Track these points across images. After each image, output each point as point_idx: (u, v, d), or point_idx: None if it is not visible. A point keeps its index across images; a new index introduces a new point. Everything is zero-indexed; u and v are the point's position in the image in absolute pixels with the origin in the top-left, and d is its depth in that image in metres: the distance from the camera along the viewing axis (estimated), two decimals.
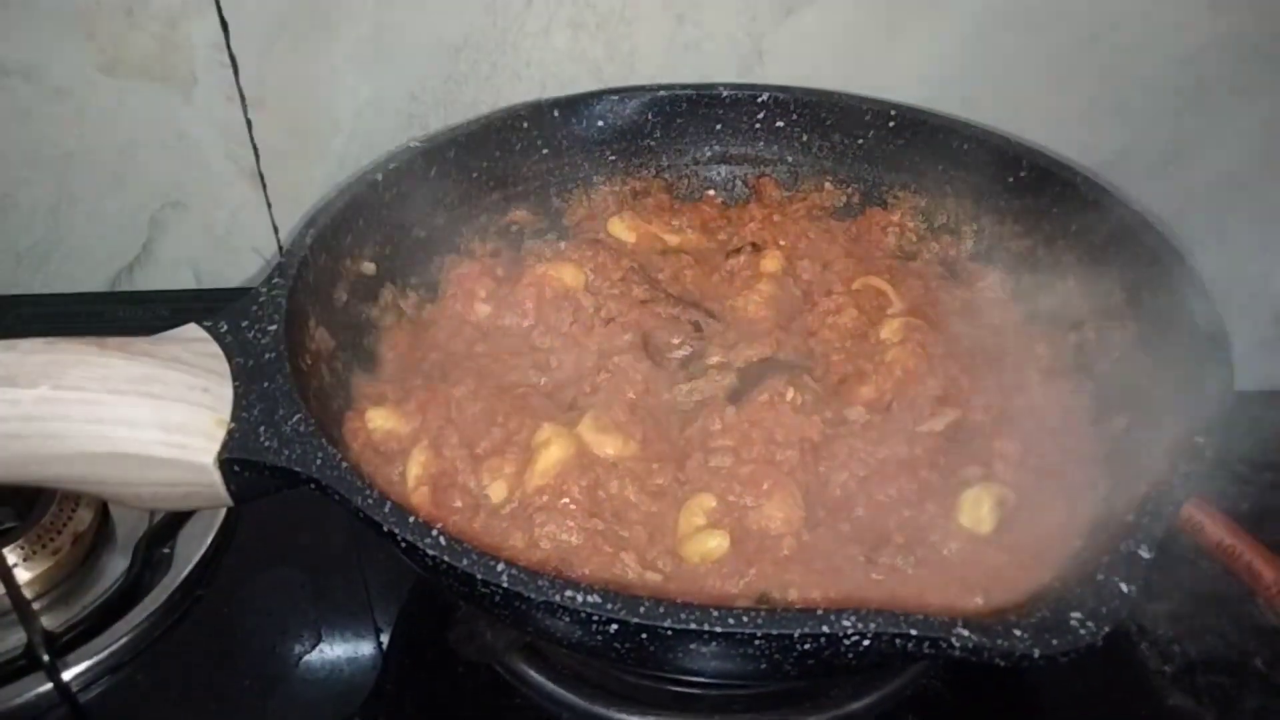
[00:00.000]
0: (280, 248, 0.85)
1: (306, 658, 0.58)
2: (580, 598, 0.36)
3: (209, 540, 0.63)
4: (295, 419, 0.44)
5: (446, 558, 0.38)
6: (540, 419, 0.56)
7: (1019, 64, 0.76)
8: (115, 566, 0.63)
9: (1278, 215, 0.84)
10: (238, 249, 0.85)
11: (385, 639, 0.61)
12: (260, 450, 0.43)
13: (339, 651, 0.59)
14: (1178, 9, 0.73)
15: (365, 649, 0.60)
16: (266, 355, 0.48)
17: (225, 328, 0.49)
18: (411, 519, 0.39)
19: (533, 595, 0.37)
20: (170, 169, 0.80)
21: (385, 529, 0.39)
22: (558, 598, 0.37)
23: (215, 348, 0.47)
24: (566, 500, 0.51)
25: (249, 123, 0.77)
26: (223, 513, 0.65)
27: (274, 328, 0.49)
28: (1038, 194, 0.64)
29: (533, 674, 0.56)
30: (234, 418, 0.44)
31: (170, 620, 0.59)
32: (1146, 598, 0.69)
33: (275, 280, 0.52)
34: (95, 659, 0.56)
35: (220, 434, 0.43)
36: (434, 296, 0.66)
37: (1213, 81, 0.76)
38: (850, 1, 0.73)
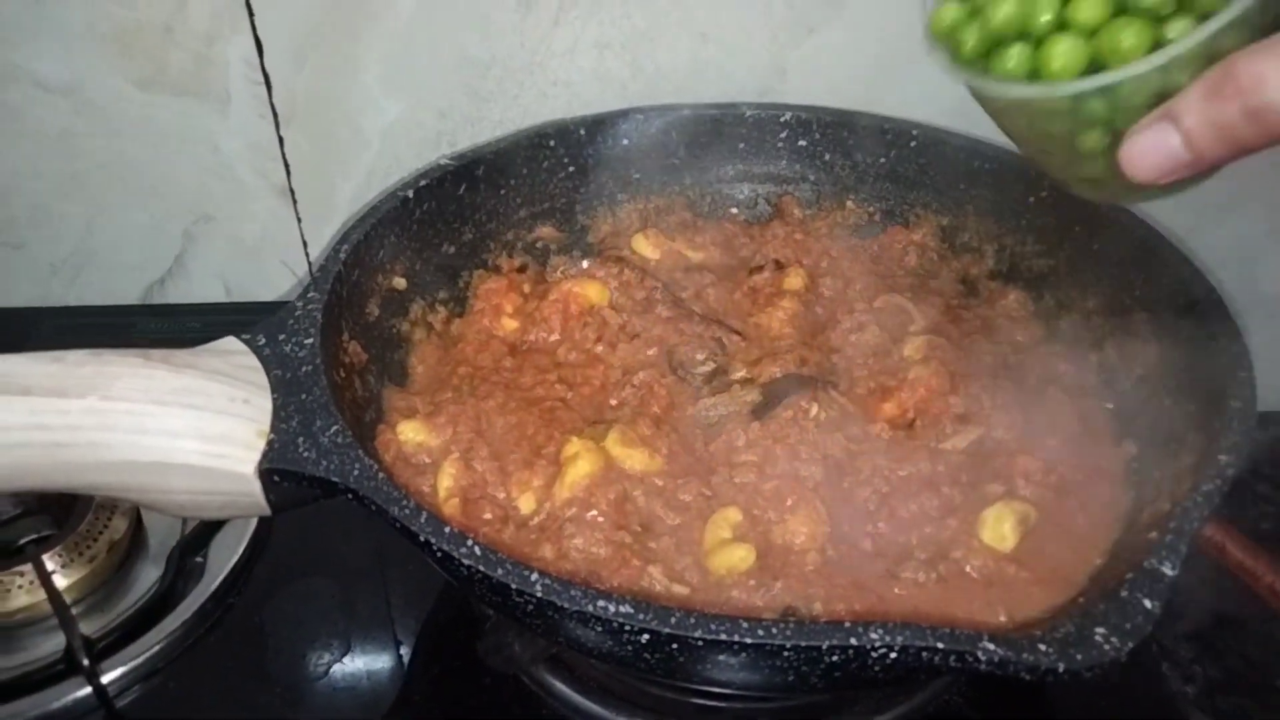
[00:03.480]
0: (309, 261, 0.86)
1: (336, 666, 0.59)
2: (613, 608, 0.37)
3: (241, 549, 0.64)
4: (333, 430, 0.45)
5: (482, 567, 0.39)
6: (568, 433, 0.57)
7: None
8: (148, 575, 0.64)
9: None
10: (267, 262, 0.86)
11: (410, 648, 0.61)
12: (299, 461, 0.44)
13: (368, 660, 0.60)
14: None
15: (394, 658, 0.60)
16: (304, 368, 0.49)
17: (263, 341, 0.50)
18: (448, 529, 0.40)
19: (566, 605, 0.38)
20: (203, 184, 0.81)
21: (422, 539, 0.40)
22: (590, 607, 0.37)
23: (254, 360, 0.48)
24: (594, 513, 0.51)
25: (281, 139, 0.79)
26: (254, 522, 0.66)
27: (310, 341, 0.50)
28: (1059, 213, 0.64)
29: (558, 685, 0.57)
30: (273, 429, 0.45)
31: (203, 628, 0.60)
32: (1169, 618, 0.69)
33: (311, 294, 0.53)
34: (131, 664, 0.57)
35: (260, 444, 0.44)
36: (462, 311, 0.67)
37: None
38: (871, 22, 0.74)
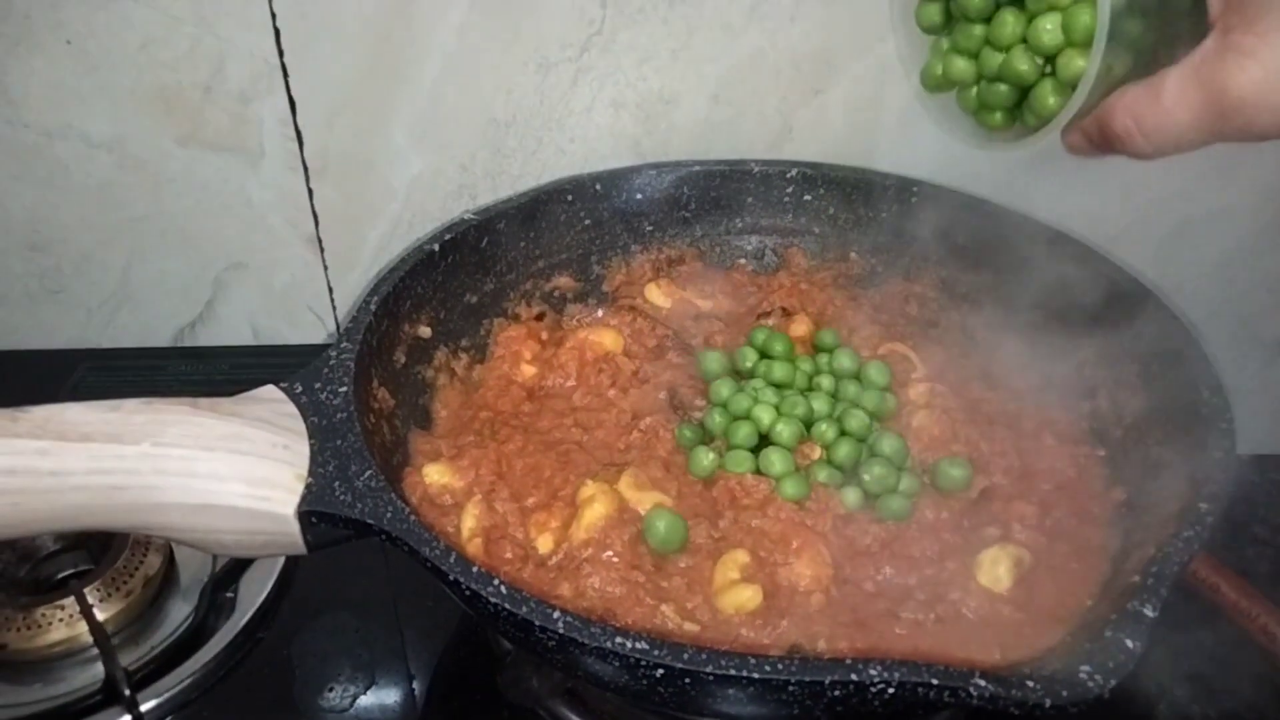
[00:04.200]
0: (334, 307, 0.90)
1: (360, 699, 0.62)
2: (629, 644, 0.40)
3: (270, 585, 0.67)
4: (366, 475, 0.48)
5: (507, 605, 0.42)
6: (583, 475, 0.59)
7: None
8: (180, 609, 0.66)
9: None
10: (294, 308, 0.90)
11: (424, 681, 0.64)
12: (335, 503, 0.47)
13: (388, 693, 0.62)
14: None
15: (416, 691, 0.63)
16: (338, 415, 0.52)
17: (300, 389, 0.53)
18: (475, 569, 0.43)
19: (586, 641, 0.40)
20: (235, 233, 0.85)
21: (451, 578, 0.43)
22: (609, 644, 0.40)
23: (292, 408, 0.51)
24: (610, 553, 0.54)
25: (310, 191, 0.83)
26: (282, 560, 0.68)
27: (344, 389, 0.53)
28: (1052, 269, 0.67)
29: (574, 718, 0.59)
30: (311, 473, 0.48)
31: (234, 660, 0.63)
32: (1167, 658, 0.71)
33: (344, 345, 0.57)
34: (166, 695, 0.59)
35: (299, 488, 0.47)
36: (483, 358, 0.70)
37: (1221, 152, 0.79)
38: (873, 83, 0.78)
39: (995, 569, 0.53)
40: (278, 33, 0.74)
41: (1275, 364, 0.92)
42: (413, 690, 0.63)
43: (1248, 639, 0.64)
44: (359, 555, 0.69)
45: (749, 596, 0.52)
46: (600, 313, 0.75)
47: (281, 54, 0.75)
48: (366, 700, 0.62)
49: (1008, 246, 0.70)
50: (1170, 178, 0.81)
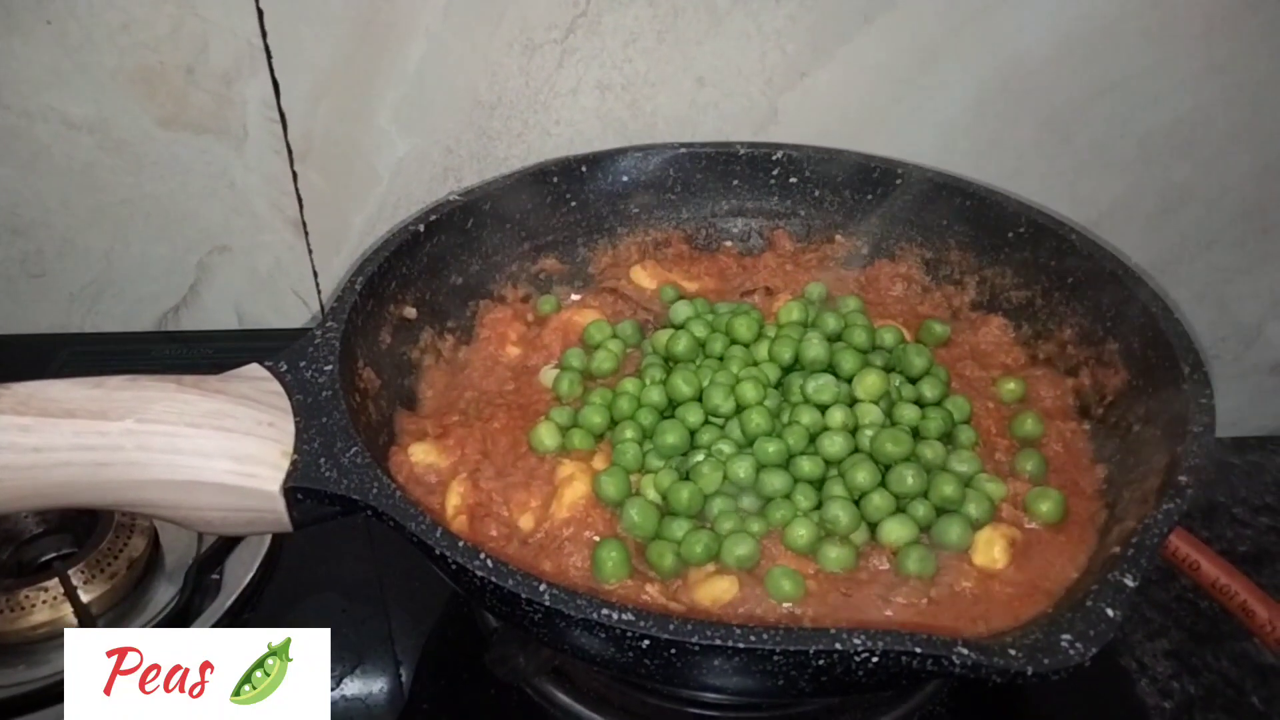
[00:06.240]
0: (319, 290, 0.90)
1: (347, 679, 0.62)
2: (616, 615, 0.40)
3: (255, 568, 0.66)
4: (352, 452, 0.48)
5: (494, 579, 0.42)
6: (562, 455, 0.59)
7: (1019, 125, 0.80)
8: (165, 592, 0.66)
9: (1268, 264, 0.88)
10: (279, 292, 0.90)
11: (410, 662, 0.64)
12: (321, 480, 0.47)
13: (378, 673, 0.63)
14: (1172, 73, 0.77)
15: (402, 671, 0.63)
16: (323, 393, 0.52)
17: (285, 367, 0.53)
18: (461, 543, 0.43)
19: (572, 613, 0.40)
20: (219, 216, 0.85)
21: (437, 552, 0.43)
22: (595, 615, 0.40)
23: (277, 386, 0.51)
24: (590, 533, 0.54)
25: (294, 174, 0.82)
26: (267, 541, 0.68)
27: (329, 368, 0.53)
28: (1035, 248, 0.67)
29: (560, 695, 0.59)
30: (297, 450, 0.48)
31: None
32: (1148, 636, 0.72)
33: (329, 324, 0.56)
34: None
35: (285, 464, 0.47)
36: (469, 339, 0.70)
37: (1203, 139, 0.81)
38: (859, 66, 0.78)
39: (990, 550, 0.53)
40: (261, 14, 0.74)
41: (1254, 346, 0.93)
42: (399, 671, 0.63)
43: (1227, 616, 0.65)
44: (344, 537, 0.70)
45: (724, 588, 0.51)
46: (575, 296, 0.75)
47: (265, 35, 0.75)
48: (353, 681, 0.62)
49: (990, 228, 0.70)
50: (1152, 159, 0.82)
